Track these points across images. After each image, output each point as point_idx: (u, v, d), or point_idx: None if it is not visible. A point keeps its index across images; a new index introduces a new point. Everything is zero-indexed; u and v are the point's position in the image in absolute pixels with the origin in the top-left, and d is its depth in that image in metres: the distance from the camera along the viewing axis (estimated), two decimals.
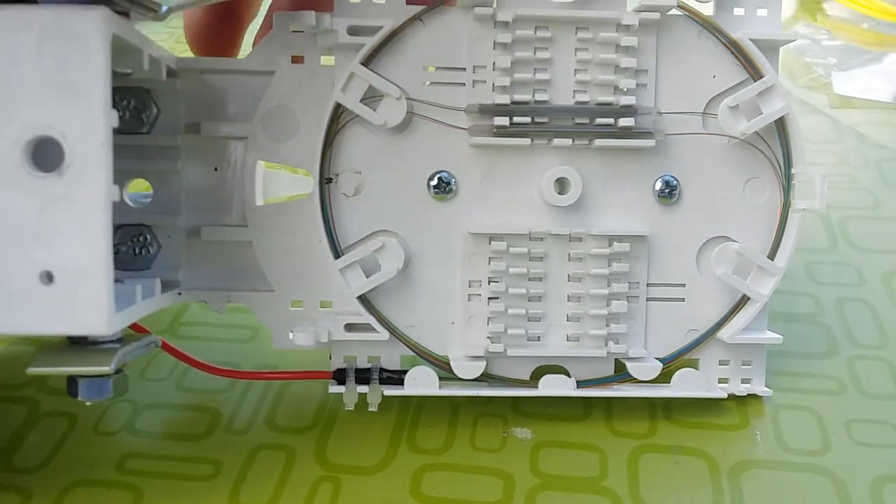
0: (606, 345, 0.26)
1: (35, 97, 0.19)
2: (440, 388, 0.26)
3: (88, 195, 0.19)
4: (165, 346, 0.25)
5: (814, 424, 0.26)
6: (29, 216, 0.19)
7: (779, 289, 0.26)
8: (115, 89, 0.25)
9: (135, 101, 0.26)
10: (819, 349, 0.29)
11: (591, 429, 0.26)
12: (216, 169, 0.26)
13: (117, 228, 0.26)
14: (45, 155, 0.19)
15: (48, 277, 0.19)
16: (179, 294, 0.26)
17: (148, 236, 0.26)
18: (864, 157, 0.39)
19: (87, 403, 0.22)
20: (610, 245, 0.26)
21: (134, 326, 0.25)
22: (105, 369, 0.21)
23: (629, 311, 0.26)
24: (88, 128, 0.19)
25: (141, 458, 0.25)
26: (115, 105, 0.25)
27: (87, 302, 0.19)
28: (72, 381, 0.22)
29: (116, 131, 0.25)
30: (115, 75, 0.24)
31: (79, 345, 0.22)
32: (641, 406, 0.26)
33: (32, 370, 0.21)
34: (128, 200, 0.26)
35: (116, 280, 0.23)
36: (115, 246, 0.25)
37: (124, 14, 0.22)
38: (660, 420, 0.26)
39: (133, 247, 0.26)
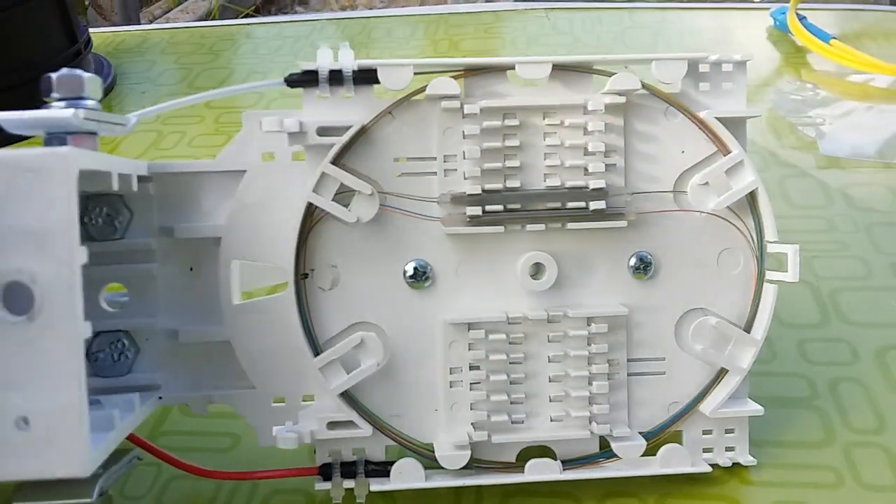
0: (590, 424, 0.26)
1: (3, 242, 0.18)
2: (426, 479, 0.26)
3: (60, 338, 0.19)
4: (151, 449, 0.25)
5: None
6: (1, 361, 0.19)
7: (771, 371, 0.26)
8: (86, 197, 0.25)
9: (107, 207, 0.25)
10: (815, 437, 0.28)
11: None
12: (192, 269, 0.26)
13: (95, 336, 0.26)
14: (17, 297, 0.19)
15: (24, 422, 0.19)
16: (160, 398, 0.26)
17: (125, 341, 0.26)
18: (853, 222, 0.38)
19: None
20: (588, 325, 0.26)
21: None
22: (87, 501, 0.21)
23: (610, 390, 0.26)
24: (57, 272, 0.19)
25: None
26: (86, 212, 0.25)
27: (64, 446, 0.19)
28: None
29: (89, 238, 0.26)
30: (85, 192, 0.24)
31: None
32: None
33: None
34: (104, 305, 0.26)
35: (92, 402, 0.23)
36: (93, 353, 0.26)
37: (91, 133, 0.22)
38: None
39: (111, 353, 0.26)
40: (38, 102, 0.23)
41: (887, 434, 0.28)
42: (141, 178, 0.25)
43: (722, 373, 0.27)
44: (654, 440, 0.27)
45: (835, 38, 0.54)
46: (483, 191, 0.25)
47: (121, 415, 0.22)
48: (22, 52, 0.52)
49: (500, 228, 0.25)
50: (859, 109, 0.49)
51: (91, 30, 0.62)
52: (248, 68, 0.60)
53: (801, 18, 0.57)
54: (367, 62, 0.25)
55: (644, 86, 0.25)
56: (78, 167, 0.19)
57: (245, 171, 0.25)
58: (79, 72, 0.22)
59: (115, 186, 0.22)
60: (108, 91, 0.58)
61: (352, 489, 0.26)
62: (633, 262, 0.26)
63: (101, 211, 0.25)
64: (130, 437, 0.25)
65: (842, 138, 0.46)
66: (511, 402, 0.26)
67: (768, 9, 0.60)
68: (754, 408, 0.27)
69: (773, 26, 0.60)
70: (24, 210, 0.18)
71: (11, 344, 0.19)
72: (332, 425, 0.25)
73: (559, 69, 0.25)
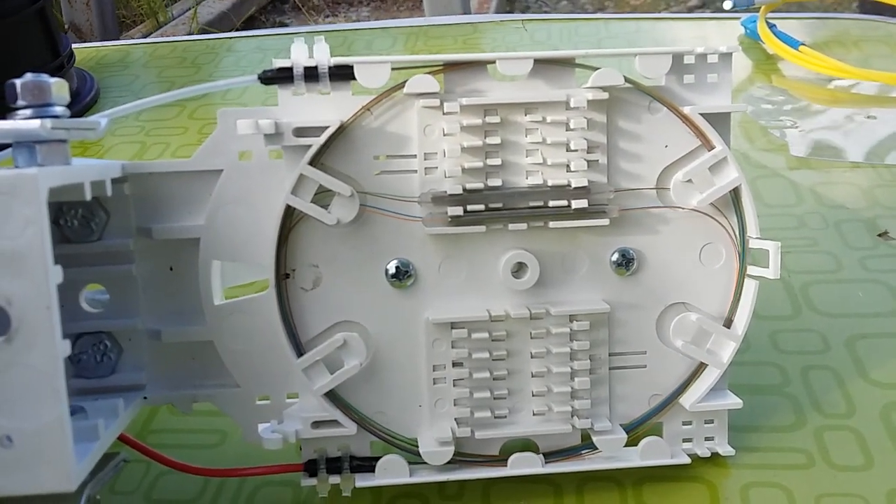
0: (572, 419, 0.26)
1: None
2: (411, 474, 0.26)
3: (39, 359, 0.19)
4: (139, 447, 0.25)
5: (784, 502, 0.26)
6: None
7: (744, 360, 0.26)
8: (61, 202, 0.25)
9: (82, 209, 0.25)
10: (786, 421, 0.29)
11: None
12: (171, 269, 0.26)
13: (77, 337, 0.26)
14: None
15: (7, 439, 0.19)
16: (145, 398, 0.26)
17: (108, 342, 0.26)
18: (823, 219, 0.40)
19: None
20: (570, 322, 0.26)
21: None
22: None
23: (592, 386, 0.26)
24: (33, 293, 0.18)
25: None
26: (61, 215, 0.25)
27: (50, 462, 0.19)
28: None
29: (66, 241, 0.25)
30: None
31: None
32: (612, 492, 0.27)
33: None
34: (84, 305, 0.26)
35: (76, 410, 0.23)
36: (75, 355, 0.26)
37: (61, 141, 0.22)
38: None
39: (94, 354, 0.26)
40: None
41: (857, 417, 0.29)
42: (116, 180, 0.25)
43: (702, 366, 0.27)
44: (635, 432, 0.27)
45: (804, 44, 0.56)
46: (464, 190, 0.25)
47: (105, 423, 0.22)
48: (4, 67, 0.51)
49: (482, 228, 0.25)
50: (828, 113, 0.50)
51: (73, 45, 0.62)
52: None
53: (771, 26, 0.58)
54: (343, 59, 0.24)
55: (627, 80, 0.25)
56: (47, 186, 0.19)
57: (222, 170, 0.25)
58: (44, 77, 0.22)
59: (88, 196, 0.22)
60: (91, 104, 0.58)
61: (338, 484, 0.26)
62: (615, 258, 0.26)
63: (77, 213, 0.25)
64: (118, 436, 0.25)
65: (811, 140, 0.47)
66: (494, 398, 0.26)
67: (739, 18, 0.62)
68: (733, 401, 0.27)
69: (743, 34, 0.61)
70: None
71: None
72: (317, 424, 0.26)
73: (541, 64, 0.25)
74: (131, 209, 0.25)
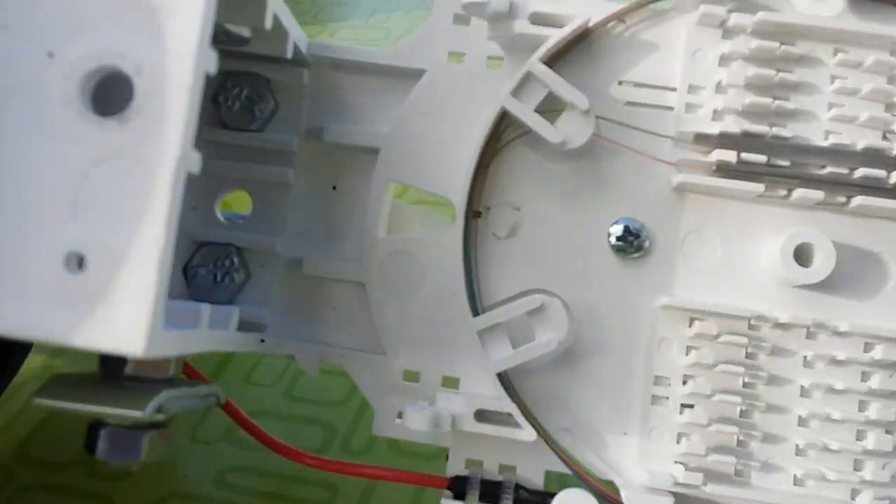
0: (854, 499, 0.18)
1: (107, 13, 0.13)
2: None
3: (155, 154, 0.13)
4: (230, 409, 0.19)
5: None
6: (70, 172, 0.13)
7: None
8: (227, 73, 0.20)
9: (248, 89, 0.20)
10: None
11: None
12: (335, 188, 0.20)
13: (200, 246, 0.20)
14: (109, 94, 0.13)
15: (78, 263, 0.13)
16: (262, 342, 0.19)
17: (235, 260, 0.20)
18: None
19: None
20: (869, 350, 0.18)
21: (192, 374, 0.18)
22: (136, 413, 0.14)
23: (893, 451, 0.18)
24: (173, 64, 0.13)
25: (243, 472, 0.22)
26: (222, 92, 0.20)
27: (125, 305, 0.13)
28: (92, 429, 0.15)
29: (221, 124, 0.21)
30: (230, 44, 0.19)
31: (111, 378, 0.16)
32: None
33: (39, 401, 0.15)
34: (219, 216, 0.21)
35: (177, 296, 0.17)
36: (192, 267, 0.20)
37: None
38: None
39: (215, 271, 0.20)
40: None
41: None
42: (296, 61, 0.20)
43: None
44: None
45: None
46: (741, 133, 0.18)
47: (210, 319, 0.16)
48: None
49: (759, 187, 0.18)
50: None
51: None
52: None
53: None
54: None
55: None
56: None
57: (425, 70, 0.20)
58: None
59: (268, 24, 0.17)
60: None
61: None
62: None
63: (241, 93, 0.20)
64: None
65: None
66: (739, 444, 0.18)
67: None
68: None
69: None
70: None
71: (87, 151, 0.13)
72: (482, 416, 0.18)
73: None
74: (305, 102, 0.20)
